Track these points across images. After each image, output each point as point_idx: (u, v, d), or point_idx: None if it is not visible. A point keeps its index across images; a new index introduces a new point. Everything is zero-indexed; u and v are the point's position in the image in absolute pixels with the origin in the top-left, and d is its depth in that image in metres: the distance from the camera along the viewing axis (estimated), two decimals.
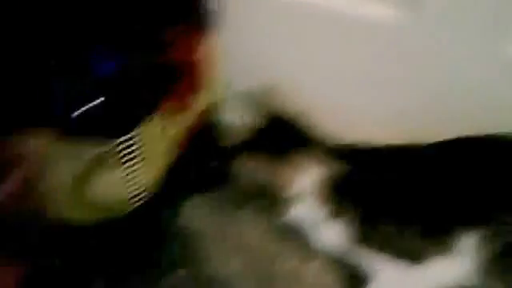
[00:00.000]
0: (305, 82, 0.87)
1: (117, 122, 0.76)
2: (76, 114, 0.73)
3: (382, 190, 0.80)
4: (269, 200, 0.88)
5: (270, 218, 0.89)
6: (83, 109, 0.72)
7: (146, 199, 0.86)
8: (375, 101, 0.93)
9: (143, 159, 0.81)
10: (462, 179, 0.77)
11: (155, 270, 0.94)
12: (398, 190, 0.79)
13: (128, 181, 0.83)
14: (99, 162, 0.78)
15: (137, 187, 0.84)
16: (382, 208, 0.80)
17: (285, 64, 0.88)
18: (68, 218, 0.84)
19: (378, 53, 0.89)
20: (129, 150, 0.78)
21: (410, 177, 0.79)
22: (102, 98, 0.73)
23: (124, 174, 0.82)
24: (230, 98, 0.95)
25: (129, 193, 0.83)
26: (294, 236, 0.88)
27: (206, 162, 1.05)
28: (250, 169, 0.87)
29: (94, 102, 0.72)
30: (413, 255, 0.78)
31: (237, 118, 0.93)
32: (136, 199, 0.84)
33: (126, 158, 0.78)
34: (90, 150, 0.76)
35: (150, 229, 0.97)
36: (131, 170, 0.81)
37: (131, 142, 0.77)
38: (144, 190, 0.84)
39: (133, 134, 0.77)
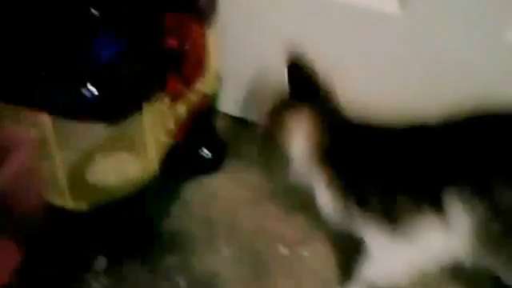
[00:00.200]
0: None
1: (116, 106, 0.76)
2: (76, 98, 0.73)
3: (376, 158, 0.80)
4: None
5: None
6: (83, 93, 0.73)
7: (144, 184, 0.86)
8: (380, 78, 0.96)
9: (142, 144, 0.82)
10: (457, 146, 0.75)
11: (153, 250, 0.96)
12: (392, 159, 0.79)
13: (126, 166, 0.83)
14: (98, 147, 0.79)
15: (135, 172, 0.85)
16: (377, 175, 0.80)
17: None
18: (69, 202, 0.85)
19: (385, 37, 0.92)
20: (128, 134, 0.78)
21: (407, 147, 0.78)
22: (102, 83, 0.74)
23: (123, 158, 0.82)
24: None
25: (127, 178, 0.84)
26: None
27: (201, 149, 1.08)
28: None
29: (94, 87, 0.73)
30: (404, 222, 0.78)
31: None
32: (134, 184, 0.85)
33: (125, 143, 0.79)
34: (90, 135, 0.77)
35: (146, 213, 0.99)
36: (130, 154, 0.82)
37: (131, 126, 0.78)
38: (142, 175, 0.85)
39: (133, 118, 0.78)
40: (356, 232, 0.84)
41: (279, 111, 0.85)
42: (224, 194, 1.06)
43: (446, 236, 0.75)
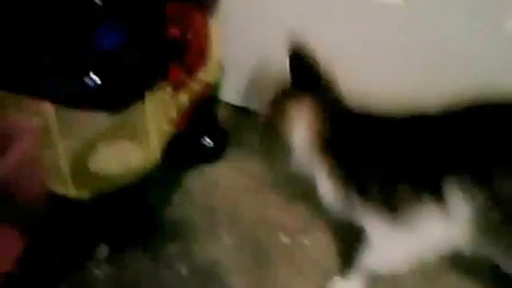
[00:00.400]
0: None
1: (118, 95, 0.77)
2: (78, 87, 0.74)
3: (377, 147, 0.80)
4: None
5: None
6: (85, 82, 0.73)
7: (146, 173, 0.87)
8: (381, 67, 0.97)
9: (144, 133, 0.82)
10: (457, 135, 0.76)
11: (154, 238, 0.97)
12: (392, 148, 0.79)
13: (128, 154, 0.84)
14: (101, 136, 0.79)
15: (137, 161, 0.85)
16: (377, 164, 0.80)
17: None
18: (71, 191, 0.85)
19: (386, 26, 0.93)
20: (130, 123, 0.79)
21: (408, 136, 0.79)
22: (105, 72, 0.74)
23: (125, 147, 0.83)
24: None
25: (129, 166, 0.84)
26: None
27: (203, 138, 1.08)
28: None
29: (96, 76, 0.73)
30: (404, 211, 0.78)
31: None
32: (136, 172, 0.86)
33: (127, 132, 0.79)
34: (92, 124, 0.77)
35: (148, 202, 1.00)
36: (132, 143, 0.82)
37: (133, 115, 0.78)
38: (144, 164, 0.86)
39: (135, 107, 0.78)
40: (356, 221, 0.85)
41: (281, 101, 0.85)
42: (225, 182, 1.07)
43: (445, 225, 0.76)
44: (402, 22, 0.91)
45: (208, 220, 1.00)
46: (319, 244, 0.97)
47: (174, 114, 0.89)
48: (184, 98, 0.91)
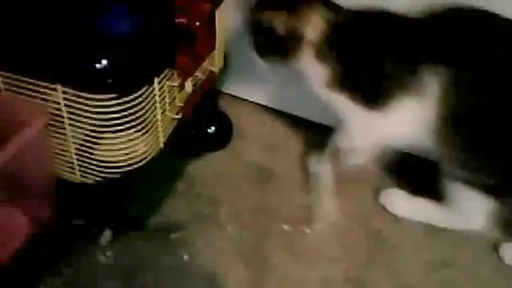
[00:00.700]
0: None
1: (129, 79, 0.77)
2: (88, 70, 0.74)
3: (365, 42, 0.90)
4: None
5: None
6: (95, 65, 0.74)
7: (150, 160, 0.87)
8: None
9: (150, 120, 0.83)
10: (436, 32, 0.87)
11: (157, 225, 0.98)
12: (379, 43, 0.89)
13: (134, 142, 0.84)
14: (107, 122, 0.79)
15: (142, 148, 0.85)
16: (360, 55, 0.90)
17: None
18: (77, 177, 0.86)
19: None
20: (137, 110, 0.79)
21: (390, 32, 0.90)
22: (113, 56, 0.75)
23: (131, 134, 0.83)
24: None
25: (134, 154, 0.85)
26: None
27: (208, 126, 1.09)
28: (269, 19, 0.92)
29: (106, 60, 0.74)
30: (383, 96, 0.89)
31: None
32: (141, 160, 0.86)
33: (133, 119, 0.80)
34: (101, 109, 0.77)
35: (151, 189, 1.01)
36: (138, 130, 0.83)
37: (140, 102, 0.79)
38: (149, 152, 0.86)
39: (142, 93, 0.79)
40: (336, 106, 0.94)
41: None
42: (228, 171, 1.08)
43: (416, 111, 0.88)
44: None
45: (210, 208, 1.01)
46: (320, 232, 0.98)
47: (180, 102, 0.90)
48: (190, 86, 0.91)
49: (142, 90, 0.78)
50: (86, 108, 0.77)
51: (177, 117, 0.90)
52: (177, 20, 0.82)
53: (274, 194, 1.04)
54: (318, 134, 1.07)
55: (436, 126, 0.87)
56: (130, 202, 0.95)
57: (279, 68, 0.96)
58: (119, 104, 0.76)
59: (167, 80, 0.85)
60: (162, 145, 0.88)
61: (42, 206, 0.88)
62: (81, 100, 0.76)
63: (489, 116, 0.85)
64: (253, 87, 1.19)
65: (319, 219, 1.00)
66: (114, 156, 0.84)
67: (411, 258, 0.96)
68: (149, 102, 0.81)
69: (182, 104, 0.90)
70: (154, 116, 0.84)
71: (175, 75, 0.86)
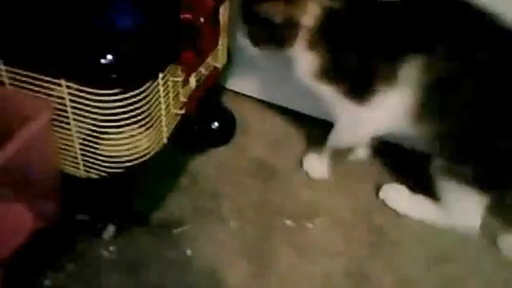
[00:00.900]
0: None
1: (133, 74, 0.78)
2: (92, 65, 0.75)
3: (352, 32, 0.91)
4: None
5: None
6: (100, 60, 0.74)
7: (153, 156, 0.88)
8: None
9: (154, 116, 0.83)
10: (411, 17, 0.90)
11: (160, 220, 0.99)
12: (367, 34, 0.91)
13: (138, 137, 0.84)
14: (113, 116, 0.80)
15: (146, 143, 0.86)
16: (347, 47, 0.91)
17: None
18: (81, 172, 0.87)
19: None
20: (141, 105, 0.80)
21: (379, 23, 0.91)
22: (120, 52, 0.75)
23: (135, 130, 0.83)
24: None
25: (138, 149, 0.85)
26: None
27: (211, 122, 1.09)
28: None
29: (111, 55, 0.74)
30: (365, 91, 0.92)
31: None
32: (144, 155, 0.87)
33: (137, 114, 0.80)
34: (106, 104, 0.78)
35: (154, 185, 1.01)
36: (142, 126, 0.83)
37: (144, 97, 0.79)
38: (152, 147, 0.87)
39: (146, 88, 0.79)
40: (328, 100, 0.97)
41: None
42: (231, 167, 1.09)
43: (399, 98, 0.91)
44: None
45: (213, 203, 1.02)
46: (323, 228, 0.99)
47: (183, 98, 0.90)
48: (194, 82, 0.92)
49: (147, 86, 0.79)
50: (91, 103, 0.77)
51: (180, 112, 0.90)
52: (181, 16, 0.82)
53: (276, 190, 1.05)
54: (321, 130, 1.07)
55: (415, 114, 0.91)
56: (133, 197, 0.96)
57: (273, 56, 0.97)
58: (124, 99, 0.77)
59: (171, 75, 0.85)
60: (165, 140, 0.89)
61: (46, 201, 0.88)
62: (85, 95, 0.77)
63: (462, 103, 0.88)
64: (256, 83, 1.19)
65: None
66: (118, 151, 0.84)
67: (413, 252, 0.97)
68: (153, 98, 0.81)
69: (185, 99, 0.91)
70: (158, 111, 0.84)
71: (179, 71, 0.86)
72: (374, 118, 0.95)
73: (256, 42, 0.96)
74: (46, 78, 0.78)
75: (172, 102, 0.88)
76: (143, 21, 0.79)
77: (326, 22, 0.91)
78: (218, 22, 0.92)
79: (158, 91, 0.82)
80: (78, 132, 0.82)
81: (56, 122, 0.82)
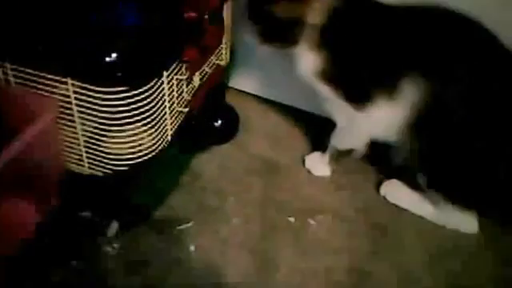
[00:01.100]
0: None
1: (138, 72, 0.78)
2: (97, 63, 0.75)
3: (356, 38, 0.92)
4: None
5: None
6: (104, 58, 0.75)
7: (157, 153, 0.88)
8: None
9: (158, 114, 0.84)
10: (418, 34, 0.90)
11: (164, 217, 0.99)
12: (371, 40, 0.91)
13: (142, 135, 0.85)
14: (118, 114, 0.80)
15: (150, 141, 0.86)
16: (349, 50, 0.92)
17: None
18: (85, 169, 0.87)
19: None
20: (145, 103, 0.80)
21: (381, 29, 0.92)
22: (125, 50, 0.76)
23: (139, 127, 0.84)
24: None
25: (142, 147, 0.86)
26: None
27: (215, 120, 1.10)
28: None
29: (116, 54, 0.75)
30: (363, 97, 0.93)
31: None
32: (148, 153, 0.87)
33: (141, 112, 0.81)
34: (111, 101, 0.78)
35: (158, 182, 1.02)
36: (146, 124, 0.83)
37: (148, 95, 0.80)
38: (156, 145, 0.87)
39: (151, 87, 0.80)
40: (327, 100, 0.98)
41: None
42: (234, 165, 1.09)
43: (394, 111, 0.92)
44: None
45: (216, 200, 1.02)
46: (325, 224, 1.00)
47: (187, 96, 0.91)
48: (198, 80, 0.92)
49: (151, 84, 0.79)
50: (96, 101, 0.78)
51: (184, 110, 0.91)
52: (186, 14, 0.83)
53: (279, 187, 1.06)
54: (323, 128, 1.07)
55: (405, 126, 0.92)
56: (136, 194, 0.96)
57: (277, 54, 0.98)
58: (128, 97, 0.77)
59: (175, 73, 0.86)
60: (169, 138, 0.90)
61: (48, 196, 0.89)
62: (90, 93, 0.77)
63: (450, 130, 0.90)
64: (259, 81, 1.20)
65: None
66: (122, 148, 0.84)
67: (415, 248, 0.97)
68: (157, 96, 0.82)
69: (189, 97, 0.91)
70: (163, 109, 0.85)
71: (183, 69, 0.87)
72: (370, 123, 0.96)
73: (262, 39, 0.96)
74: (52, 77, 0.78)
75: (176, 100, 0.89)
76: (147, 19, 0.79)
77: (330, 22, 0.91)
78: (222, 20, 0.92)
79: (163, 89, 0.83)
80: (82, 130, 0.83)
81: (61, 120, 0.82)
